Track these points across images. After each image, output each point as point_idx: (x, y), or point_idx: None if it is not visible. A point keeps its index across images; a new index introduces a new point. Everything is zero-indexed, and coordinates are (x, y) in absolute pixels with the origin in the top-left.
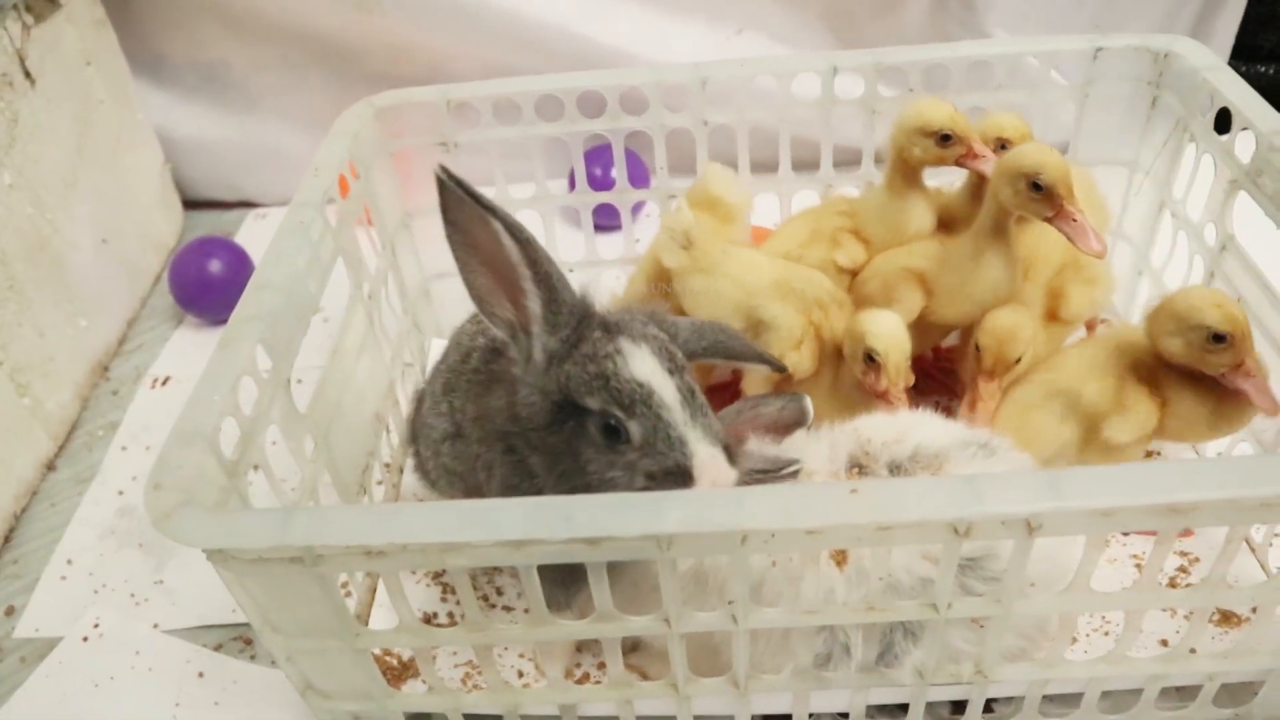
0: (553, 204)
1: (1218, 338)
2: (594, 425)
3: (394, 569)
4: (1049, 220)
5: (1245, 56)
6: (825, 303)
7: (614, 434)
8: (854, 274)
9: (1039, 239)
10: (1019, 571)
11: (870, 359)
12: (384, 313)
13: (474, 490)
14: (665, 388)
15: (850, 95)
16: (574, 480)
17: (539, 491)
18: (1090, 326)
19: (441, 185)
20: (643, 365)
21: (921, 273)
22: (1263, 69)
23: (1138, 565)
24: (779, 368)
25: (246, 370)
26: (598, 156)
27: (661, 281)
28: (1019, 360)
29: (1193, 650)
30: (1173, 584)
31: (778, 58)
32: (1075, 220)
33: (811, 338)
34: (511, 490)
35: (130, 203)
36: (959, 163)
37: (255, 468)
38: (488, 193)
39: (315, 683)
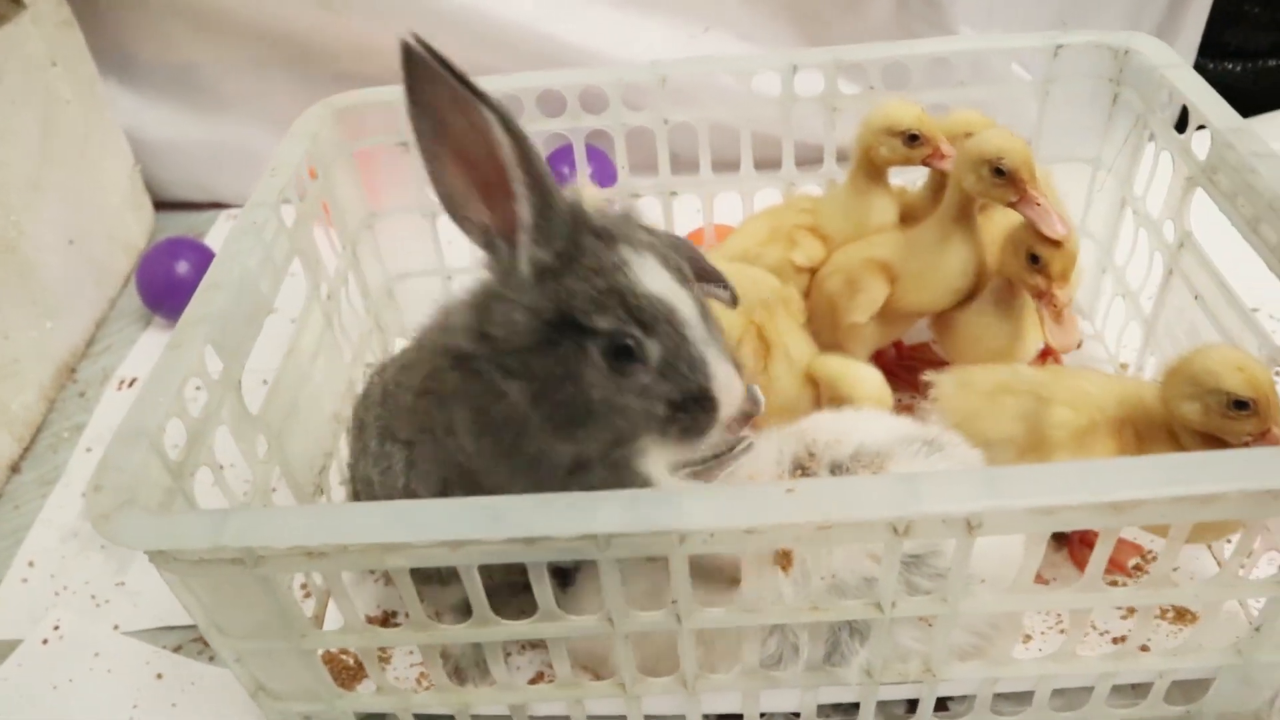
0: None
1: (1239, 404)
2: (599, 347)
3: (335, 570)
4: (1012, 205)
5: (1212, 54)
6: (770, 303)
7: (625, 355)
8: (813, 272)
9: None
10: (962, 570)
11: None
12: (344, 313)
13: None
14: (684, 302)
15: (811, 93)
16: (571, 407)
17: (516, 421)
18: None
19: (409, 56)
20: (657, 279)
21: (885, 262)
22: (1230, 66)
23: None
24: (733, 295)
25: (194, 371)
26: (565, 155)
27: None
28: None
29: (1144, 648)
30: (1130, 580)
31: (737, 56)
32: (1038, 204)
33: (752, 336)
34: (482, 422)
35: (99, 204)
36: (925, 162)
37: (222, 468)
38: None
39: (266, 684)
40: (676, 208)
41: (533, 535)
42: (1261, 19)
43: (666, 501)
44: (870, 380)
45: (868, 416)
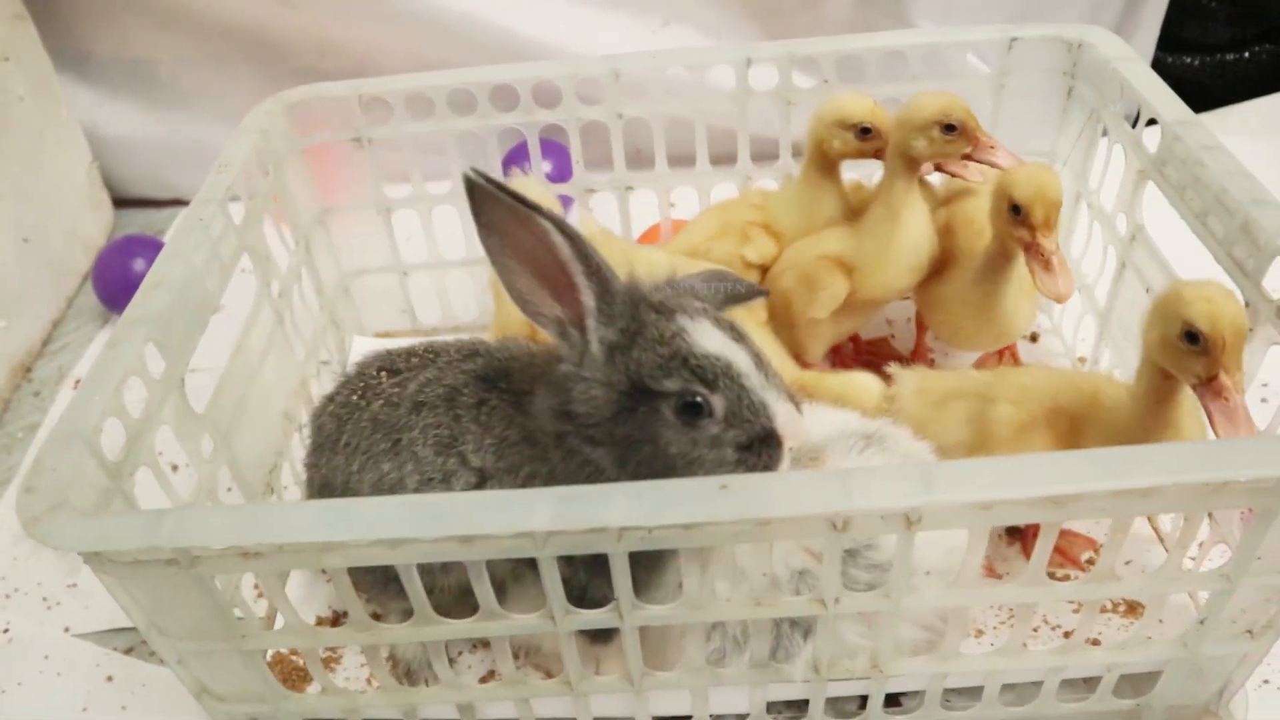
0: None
1: (1191, 336)
2: (670, 407)
3: (272, 570)
4: (968, 157)
5: (1171, 48)
6: None
7: (694, 411)
8: (764, 270)
9: (974, 241)
10: (904, 565)
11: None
12: (297, 310)
13: None
14: (739, 356)
15: (766, 87)
16: (654, 465)
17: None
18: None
19: (471, 187)
20: (712, 339)
21: (839, 256)
22: (1188, 60)
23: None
24: (765, 293)
25: (134, 371)
26: (525, 151)
27: None
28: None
29: (1095, 641)
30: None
31: (691, 50)
32: (992, 147)
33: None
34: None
35: (55, 201)
36: (878, 155)
37: (176, 468)
38: (403, 189)
39: (209, 685)
40: (633, 203)
41: (469, 533)
42: (1218, 14)
43: (601, 499)
44: (873, 388)
45: (811, 410)
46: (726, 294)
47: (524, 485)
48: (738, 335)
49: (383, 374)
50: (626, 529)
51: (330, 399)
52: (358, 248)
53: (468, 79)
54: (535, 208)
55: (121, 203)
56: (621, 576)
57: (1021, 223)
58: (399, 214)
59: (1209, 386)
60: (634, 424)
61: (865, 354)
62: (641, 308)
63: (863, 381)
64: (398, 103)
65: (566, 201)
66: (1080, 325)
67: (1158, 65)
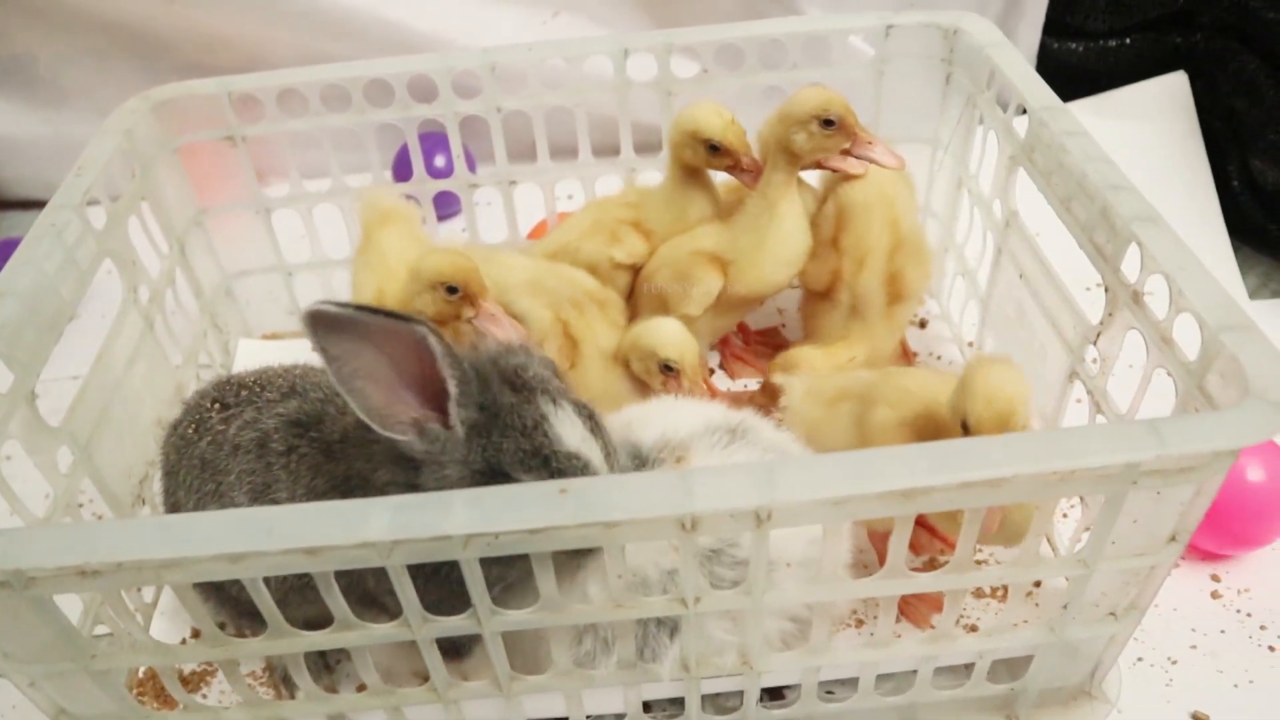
0: (350, 196)
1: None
2: None
3: (113, 588)
4: (846, 152)
5: (1057, 34)
6: (580, 301)
7: None
8: (636, 270)
9: (865, 229)
10: (760, 562)
11: (667, 368)
12: (171, 315)
13: None
14: (594, 454)
15: (645, 78)
16: None
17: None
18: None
19: (315, 320)
20: (573, 434)
21: (713, 252)
22: (1073, 45)
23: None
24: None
25: None
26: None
27: None
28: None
29: (973, 627)
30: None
31: (567, 40)
32: (870, 143)
33: (559, 334)
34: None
35: None
36: (730, 170)
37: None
38: (281, 188)
39: (67, 708)
40: (517, 197)
41: (311, 545)
42: (1099, 3)
43: (440, 506)
44: (670, 325)
45: (675, 405)
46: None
47: None
48: (594, 425)
49: (215, 407)
50: (470, 535)
51: (174, 427)
52: (239, 249)
53: (341, 74)
54: (408, 319)
55: (7, 204)
56: (475, 583)
57: (838, 131)
58: (279, 213)
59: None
60: None
61: (754, 343)
62: (496, 384)
63: (658, 323)
64: (269, 100)
65: (451, 198)
66: (965, 310)
67: (1044, 51)
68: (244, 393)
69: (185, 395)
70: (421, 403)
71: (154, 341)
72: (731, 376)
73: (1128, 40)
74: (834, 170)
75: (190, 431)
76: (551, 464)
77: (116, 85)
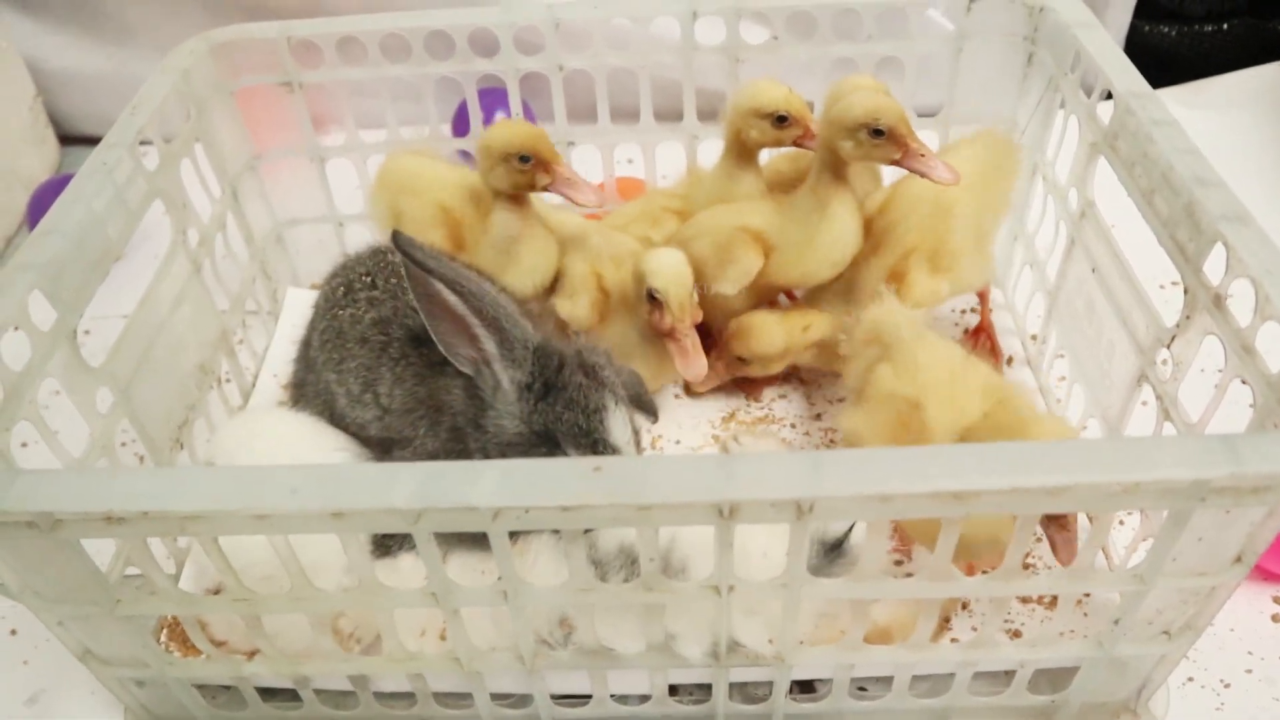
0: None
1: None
2: None
3: (138, 536)
4: (897, 162)
5: (1148, 16)
6: (621, 257)
7: None
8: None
9: (900, 219)
10: (799, 553)
11: (653, 298)
12: (220, 260)
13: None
14: (630, 454)
15: (712, 42)
16: None
17: None
18: (982, 298)
19: (398, 240)
20: (622, 433)
21: (759, 231)
22: (1165, 29)
23: None
24: (655, 418)
25: (14, 321)
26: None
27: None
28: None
29: (1016, 633)
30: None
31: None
32: (923, 155)
33: (591, 288)
34: None
35: None
36: (796, 143)
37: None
38: (337, 136)
39: (93, 649)
40: (575, 159)
41: (336, 509)
42: None
43: (467, 475)
44: (669, 256)
45: None
46: (635, 394)
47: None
48: (637, 439)
49: (365, 281)
50: (499, 509)
51: (329, 279)
52: (292, 196)
53: (402, 24)
54: (427, 268)
55: (70, 140)
56: (503, 555)
57: (888, 141)
58: (334, 162)
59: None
60: (530, 458)
61: None
62: (568, 364)
63: (660, 255)
64: (329, 47)
65: None
66: (1031, 302)
67: (1134, 33)
68: (393, 281)
69: (231, 341)
70: (475, 351)
71: (201, 285)
72: None
73: (1225, 25)
74: (914, 172)
75: (340, 293)
76: (599, 448)
77: (180, 24)
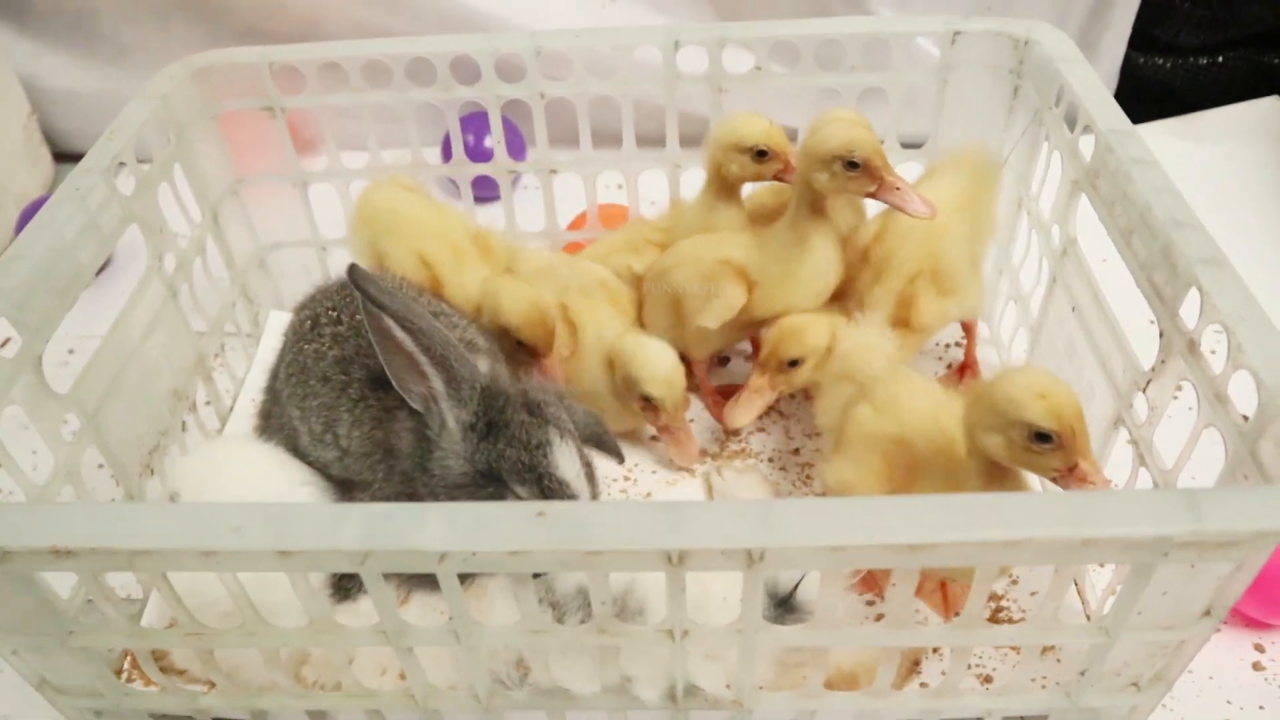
0: (385, 174)
1: (1042, 437)
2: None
3: (87, 570)
4: (872, 195)
5: (1142, 47)
6: (590, 288)
7: None
8: None
9: (898, 246)
10: (754, 600)
11: (647, 399)
12: (199, 284)
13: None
14: (583, 493)
15: (696, 71)
16: None
17: None
18: (967, 330)
19: (355, 272)
20: (570, 467)
21: (741, 266)
22: (1160, 61)
23: None
24: (620, 459)
25: None
26: (468, 125)
27: None
28: (796, 364)
29: (988, 679)
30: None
31: (616, 29)
32: (898, 189)
33: (560, 318)
34: None
35: None
36: (777, 177)
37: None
38: (317, 161)
39: (49, 678)
40: (559, 186)
41: (281, 548)
42: (1193, 15)
43: (412, 518)
44: (662, 359)
45: None
46: (594, 434)
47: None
48: (590, 472)
49: (331, 316)
50: (449, 553)
51: (299, 309)
52: (276, 220)
53: (383, 50)
54: (379, 303)
55: (64, 158)
56: (453, 597)
57: (863, 174)
58: (316, 187)
59: (1072, 475)
60: (477, 499)
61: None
62: (511, 403)
63: (652, 350)
64: (310, 72)
65: (489, 183)
66: (1015, 338)
67: (1128, 65)
68: (358, 317)
69: (208, 365)
70: (425, 386)
71: (176, 310)
72: None
73: (1220, 59)
74: (890, 205)
75: (306, 327)
76: (544, 482)
77: (176, 45)
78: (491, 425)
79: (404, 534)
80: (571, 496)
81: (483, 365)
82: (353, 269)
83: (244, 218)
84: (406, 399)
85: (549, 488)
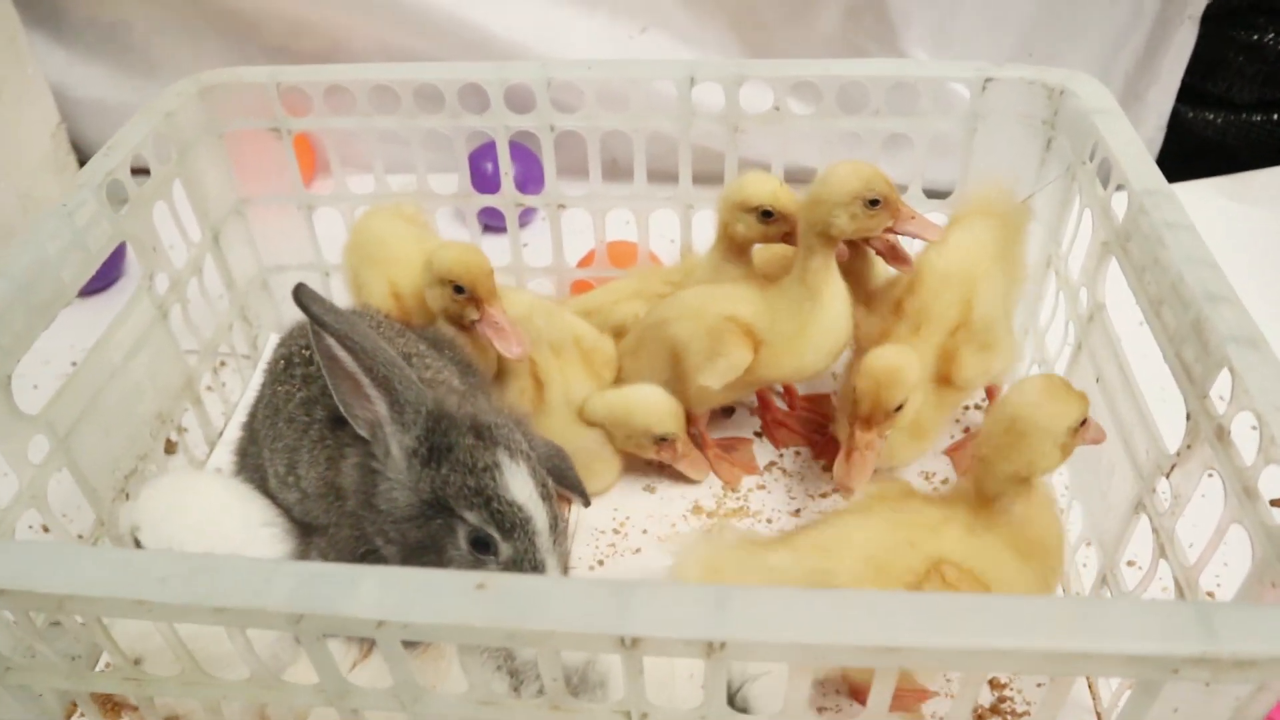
0: (392, 200)
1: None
2: (464, 533)
3: (20, 609)
4: (890, 230)
5: (1192, 101)
6: (562, 345)
7: (484, 547)
8: None
9: (933, 298)
10: (718, 689)
11: (662, 439)
12: (194, 305)
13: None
14: (539, 514)
15: (711, 109)
16: None
17: None
18: (990, 395)
19: (301, 293)
20: (522, 488)
21: (748, 325)
22: (1210, 116)
23: None
24: (586, 501)
25: None
26: (487, 153)
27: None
28: (900, 408)
29: None
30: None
31: (631, 61)
32: (912, 218)
33: (525, 373)
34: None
35: (12, 162)
36: (785, 240)
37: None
38: (325, 183)
39: None
40: (567, 221)
41: (214, 604)
42: (1246, 70)
43: (345, 581)
44: (659, 400)
45: None
46: (555, 467)
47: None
48: (546, 493)
49: (305, 356)
50: (385, 622)
51: (279, 344)
52: (281, 242)
53: (390, 75)
54: (322, 323)
55: None
56: (396, 663)
57: (882, 209)
58: (320, 210)
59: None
60: (427, 532)
61: (802, 409)
62: (455, 428)
63: (644, 394)
64: (317, 95)
65: (494, 214)
66: None
67: (1176, 119)
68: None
69: (197, 389)
70: (370, 411)
71: (165, 331)
72: (776, 445)
73: (1275, 115)
74: (907, 234)
75: (280, 366)
76: (494, 505)
77: (206, 60)
78: (434, 450)
79: (335, 598)
80: (525, 519)
81: (440, 392)
82: (299, 288)
83: (248, 238)
84: (354, 425)
85: (499, 511)
